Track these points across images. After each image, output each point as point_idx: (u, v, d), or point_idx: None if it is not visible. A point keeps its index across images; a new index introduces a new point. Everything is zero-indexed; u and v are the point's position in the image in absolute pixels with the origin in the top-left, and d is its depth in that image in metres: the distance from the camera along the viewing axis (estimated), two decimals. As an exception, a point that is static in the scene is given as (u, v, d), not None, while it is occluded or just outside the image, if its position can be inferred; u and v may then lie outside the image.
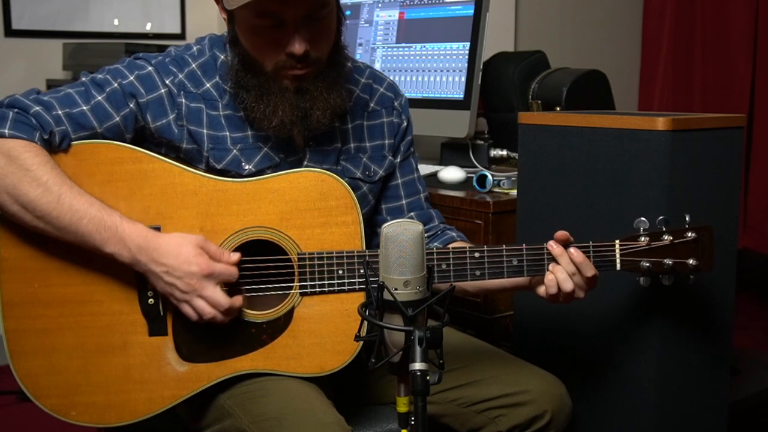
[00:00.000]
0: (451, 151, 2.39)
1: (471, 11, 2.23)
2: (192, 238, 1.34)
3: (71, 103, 1.39)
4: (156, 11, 3.49)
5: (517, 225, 1.78)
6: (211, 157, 1.45)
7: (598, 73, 2.37)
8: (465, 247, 1.40)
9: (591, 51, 4.01)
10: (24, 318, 1.39)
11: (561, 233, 1.38)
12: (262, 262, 1.40)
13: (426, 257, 1.09)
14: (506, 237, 1.90)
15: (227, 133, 1.47)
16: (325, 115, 1.43)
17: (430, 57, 2.32)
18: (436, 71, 2.30)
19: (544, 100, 2.30)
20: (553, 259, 1.38)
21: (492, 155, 2.36)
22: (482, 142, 2.34)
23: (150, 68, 1.45)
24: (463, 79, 2.23)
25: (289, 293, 1.41)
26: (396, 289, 1.06)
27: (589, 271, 1.36)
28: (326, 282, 1.40)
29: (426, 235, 1.59)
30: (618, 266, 1.40)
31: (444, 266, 1.39)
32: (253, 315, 1.41)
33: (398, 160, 1.63)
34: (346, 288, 1.40)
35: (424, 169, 2.14)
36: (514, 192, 1.92)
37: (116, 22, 3.41)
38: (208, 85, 1.47)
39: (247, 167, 1.46)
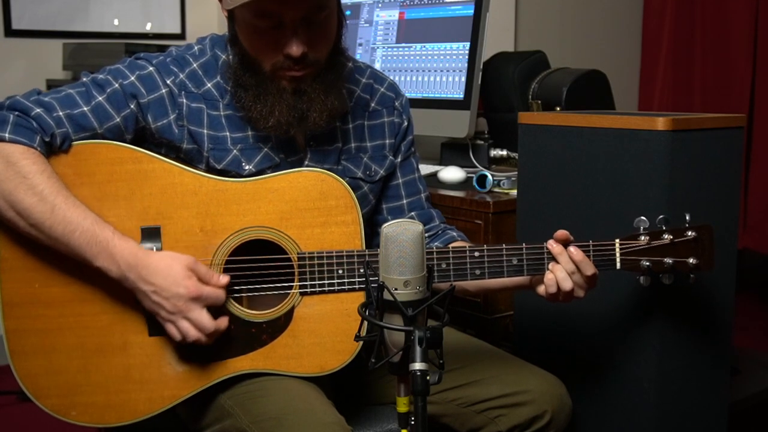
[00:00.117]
0: (451, 151, 2.39)
1: (471, 11, 2.23)
2: (182, 259, 1.34)
3: (72, 103, 1.39)
4: (156, 11, 3.49)
5: (517, 225, 1.78)
6: (211, 157, 1.46)
7: (598, 73, 2.37)
8: (465, 247, 1.40)
9: (591, 51, 4.01)
10: (24, 318, 1.39)
11: (561, 232, 1.38)
12: (262, 262, 1.40)
13: (426, 257, 1.09)
14: (506, 237, 1.90)
15: (227, 134, 1.47)
16: (321, 117, 1.43)
17: (430, 57, 2.32)
18: (436, 71, 2.30)
19: (544, 100, 2.30)
20: (553, 258, 1.38)
21: (492, 155, 2.36)
22: (482, 142, 2.34)
23: (151, 68, 1.45)
24: (463, 79, 2.23)
25: (289, 293, 1.41)
26: (396, 289, 1.06)
27: (589, 269, 1.36)
28: (326, 282, 1.40)
29: (427, 234, 1.59)
30: (618, 265, 1.40)
31: (444, 265, 1.39)
32: (253, 315, 1.41)
33: (399, 160, 1.63)
34: (346, 288, 1.40)
35: (424, 169, 2.14)
36: (514, 192, 1.92)
37: (116, 22, 3.41)
38: (209, 85, 1.47)
39: (247, 167, 1.46)
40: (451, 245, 1.59)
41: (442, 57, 2.29)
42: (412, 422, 1.06)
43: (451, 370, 1.48)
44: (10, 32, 3.19)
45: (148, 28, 3.48)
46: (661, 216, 1.39)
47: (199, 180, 1.40)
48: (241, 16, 1.39)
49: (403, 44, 2.39)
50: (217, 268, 1.40)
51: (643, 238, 1.39)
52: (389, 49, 2.42)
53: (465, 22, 2.23)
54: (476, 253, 1.39)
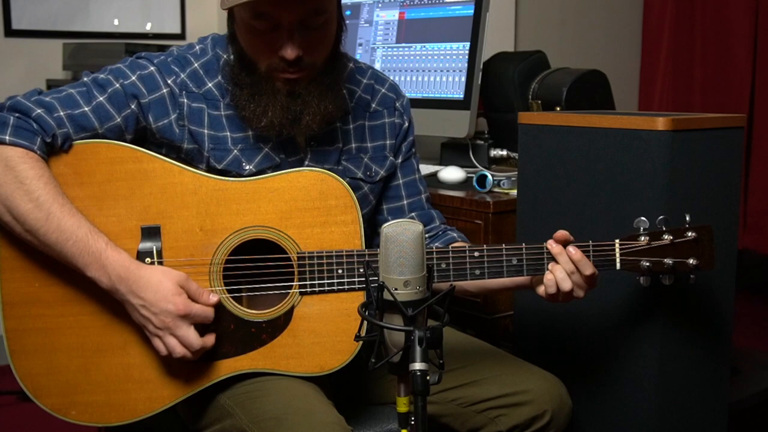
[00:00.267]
0: (451, 151, 2.39)
1: (471, 11, 2.23)
2: (174, 275, 1.33)
3: (73, 104, 1.39)
4: (156, 11, 3.49)
5: (517, 225, 1.78)
6: (211, 157, 1.46)
7: (598, 73, 2.37)
8: (465, 247, 1.40)
9: (591, 51, 4.01)
10: (24, 317, 1.39)
11: (561, 233, 1.38)
12: (261, 262, 1.40)
13: (426, 257, 1.09)
14: (506, 237, 1.90)
15: (228, 133, 1.47)
16: (315, 120, 1.43)
17: (430, 57, 2.32)
18: (436, 71, 2.30)
19: (544, 100, 2.30)
20: (553, 259, 1.38)
21: (492, 155, 2.36)
22: (482, 142, 2.34)
23: (152, 68, 1.45)
24: (463, 79, 2.23)
25: (289, 292, 1.41)
26: (396, 289, 1.06)
27: (588, 269, 1.36)
28: (326, 281, 1.40)
29: (427, 235, 1.59)
30: (618, 266, 1.40)
31: (444, 265, 1.39)
32: (253, 314, 1.41)
33: (399, 160, 1.64)
34: (345, 287, 1.40)
35: (425, 169, 2.14)
36: (514, 192, 1.92)
37: (116, 22, 3.41)
38: (210, 85, 1.47)
39: (247, 167, 1.46)
40: (451, 246, 1.59)
41: (442, 57, 2.29)
42: (412, 422, 1.06)
43: (451, 370, 1.48)
44: (10, 32, 3.19)
45: (148, 28, 3.48)
46: (661, 216, 1.39)
47: (199, 179, 1.41)
48: (239, 15, 1.39)
49: (403, 44, 2.39)
50: (217, 268, 1.40)
51: (643, 238, 1.39)
52: (389, 49, 2.42)
53: (465, 22, 2.23)
54: (476, 253, 1.39)
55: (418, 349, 1.04)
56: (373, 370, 1.09)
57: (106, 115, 1.41)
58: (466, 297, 1.88)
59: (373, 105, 1.61)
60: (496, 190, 2.03)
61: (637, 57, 4.26)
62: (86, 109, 1.39)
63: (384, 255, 1.07)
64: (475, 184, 2.04)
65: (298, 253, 1.40)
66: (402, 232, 1.06)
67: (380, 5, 2.46)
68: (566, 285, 1.36)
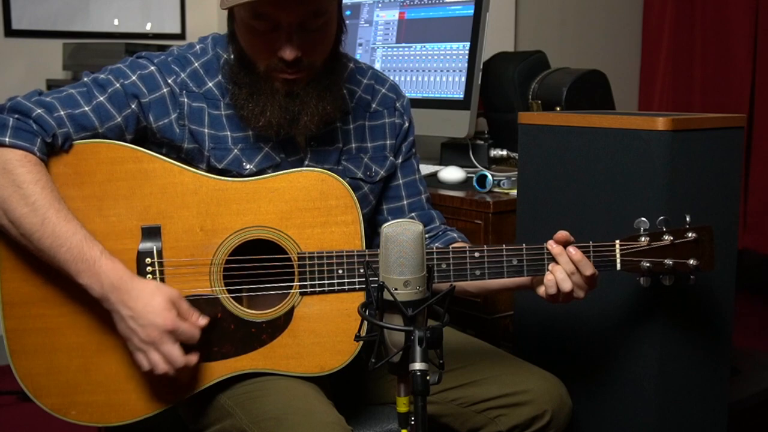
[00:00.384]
0: (451, 151, 2.39)
1: (471, 11, 2.23)
2: (166, 291, 1.33)
3: (73, 103, 1.39)
4: (156, 11, 3.49)
5: (517, 225, 1.78)
6: (212, 156, 1.46)
7: (598, 73, 2.37)
8: (465, 247, 1.40)
9: (591, 51, 4.01)
10: (24, 317, 1.39)
11: (561, 234, 1.38)
12: (262, 262, 1.40)
13: (426, 257, 1.09)
14: (506, 237, 1.90)
15: (228, 133, 1.47)
16: (313, 121, 1.43)
17: (430, 57, 2.32)
18: (436, 71, 2.30)
19: (544, 100, 2.30)
20: (553, 259, 1.38)
21: (492, 155, 2.36)
22: (482, 142, 2.34)
23: (152, 68, 1.45)
24: (463, 79, 2.23)
25: (289, 293, 1.41)
26: (396, 289, 1.06)
27: (588, 269, 1.36)
28: (326, 282, 1.40)
29: (427, 235, 1.59)
30: (618, 266, 1.40)
31: (444, 266, 1.39)
32: (253, 314, 1.41)
33: (399, 160, 1.64)
34: (346, 288, 1.40)
35: (425, 169, 2.14)
36: (514, 192, 1.92)
37: (116, 22, 3.41)
38: (210, 85, 1.47)
39: (248, 167, 1.46)
40: (451, 246, 1.59)
41: (442, 57, 2.29)
42: (412, 422, 1.06)
43: (451, 370, 1.48)
44: (10, 32, 3.19)
45: (148, 28, 3.48)
46: (661, 217, 1.39)
47: (199, 179, 1.41)
48: (239, 15, 1.39)
49: (403, 44, 2.39)
50: (218, 268, 1.40)
51: (643, 239, 1.39)
52: (389, 49, 2.42)
53: (465, 22, 2.23)
54: (476, 254, 1.39)
55: (418, 349, 1.04)
56: (373, 370, 1.09)
57: (106, 115, 1.41)
58: (467, 297, 1.88)
59: (374, 105, 1.61)
60: (496, 190, 2.03)
61: (637, 57, 4.26)
62: (86, 108, 1.40)
63: (384, 255, 1.07)
64: (475, 184, 2.04)
65: (298, 253, 1.40)
66: (402, 232, 1.06)
67: (380, 5, 2.46)
68: (566, 286, 1.36)
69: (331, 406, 1.38)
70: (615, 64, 3.97)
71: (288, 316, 1.41)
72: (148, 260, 1.38)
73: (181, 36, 3.53)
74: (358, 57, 2.32)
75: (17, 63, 3.21)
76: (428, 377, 1.03)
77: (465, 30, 2.23)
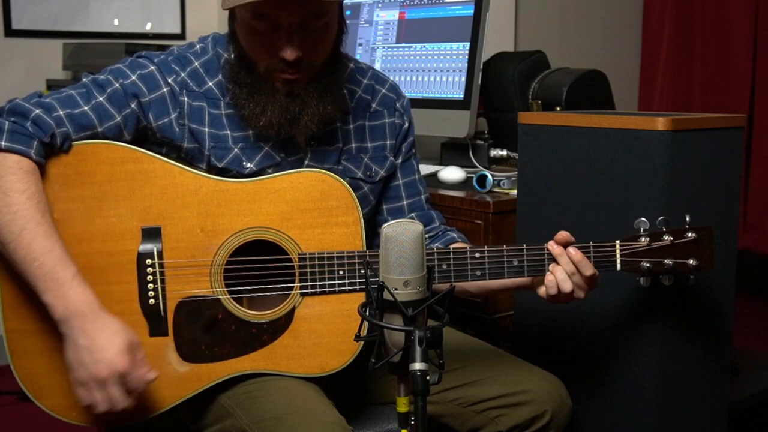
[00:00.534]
0: (451, 151, 2.39)
1: (471, 11, 2.23)
2: (129, 334, 1.30)
3: (73, 104, 1.39)
4: (156, 11, 3.49)
5: (517, 225, 1.78)
6: (212, 155, 1.46)
7: (598, 73, 2.37)
8: (465, 248, 1.40)
9: (591, 51, 4.01)
10: (25, 318, 1.39)
11: (562, 234, 1.38)
12: (262, 263, 1.40)
13: (426, 258, 1.09)
14: (506, 237, 1.90)
15: (228, 132, 1.47)
16: (313, 121, 1.43)
17: (430, 57, 2.32)
18: (436, 71, 2.30)
19: (544, 100, 2.30)
20: (554, 260, 1.38)
21: (492, 155, 2.36)
22: (482, 142, 2.34)
23: (152, 67, 1.45)
24: (463, 79, 2.23)
25: (290, 293, 1.41)
26: (396, 289, 1.06)
27: (588, 270, 1.36)
28: (327, 282, 1.40)
29: (427, 235, 1.59)
30: (618, 266, 1.40)
31: (445, 266, 1.39)
32: (254, 315, 1.41)
33: (399, 160, 1.64)
34: (346, 288, 1.40)
35: (424, 169, 2.14)
36: (514, 192, 1.92)
37: (116, 22, 3.41)
38: (210, 84, 1.47)
39: (248, 166, 1.46)
40: (451, 246, 1.60)
41: (442, 57, 2.29)
42: (412, 422, 1.06)
43: (451, 370, 1.48)
44: (10, 32, 3.19)
45: (148, 28, 3.48)
46: (661, 217, 1.39)
47: (199, 180, 1.41)
48: (240, 15, 1.40)
49: (403, 44, 2.39)
50: (218, 269, 1.40)
51: (643, 239, 1.39)
52: (389, 49, 2.42)
53: (465, 22, 2.23)
54: (477, 255, 1.39)
55: (418, 349, 1.04)
56: (373, 370, 1.10)
57: (106, 115, 1.41)
58: (467, 297, 1.88)
59: (374, 105, 1.61)
60: (496, 190, 2.03)
61: (637, 57, 4.26)
62: (86, 108, 1.40)
63: (384, 255, 1.07)
64: (475, 184, 2.04)
65: (299, 254, 1.40)
66: (402, 232, 1.06)
67: (380, 5, 2.46)
68: (567, 286, 1.36)
69: (332, 406, 1.38)
70: (615, 64, 3.97)
71: (289, 316, 1.41)
72: (148, 261, 1.38)
73: (181, 36, 3.53)
74: (358, 57, 2.32)
75: (17, 63, 3.21)
76: (428, 377, 1.03)
77: (465, 30, 2.23)
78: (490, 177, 2.01)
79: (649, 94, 4.19)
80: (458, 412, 1.52)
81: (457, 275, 1.39)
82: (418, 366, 1.03)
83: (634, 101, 4.25)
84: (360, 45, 2.50)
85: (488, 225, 1.92)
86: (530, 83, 2.35)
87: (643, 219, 1.40)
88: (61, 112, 1.37)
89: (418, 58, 2.35)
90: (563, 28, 3.95)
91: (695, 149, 1.54)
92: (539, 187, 1.71)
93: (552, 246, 1.38)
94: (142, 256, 1.39)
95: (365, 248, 1.42)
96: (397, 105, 1.63)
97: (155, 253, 1.39)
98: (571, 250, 1.36)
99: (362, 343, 1.40)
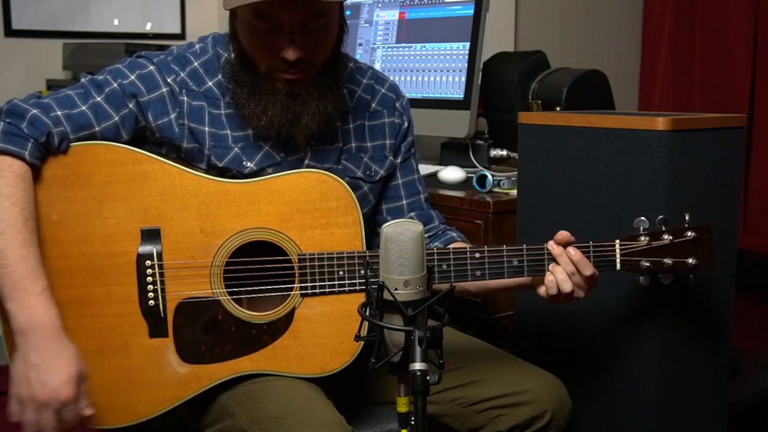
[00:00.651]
0: (451, 151, 2.39)
1: (471, 11, 2.23)
2: (81, 364, 1.27)
3: (70, 104, 1.39)
4: (156, 11, 3.49)
5: (517, 225, 1.78)
6: (212, 155, 1.46)
7: (598, 73, 2.37)
8: (465, 248, 1.40)
9: (591, 51, 4.01)
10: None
11: (562, 234, 1.38)
12: (262, 264, 1.40)
13: (427, 258, 1.09)
14: (506, 237, 1.90)
15: (228, 132, 1.47)
16: (314, 120, 1.43)
17: (430, 57, 2.32)
18: (436, 71, 2.30)
19: (544, 100, 2.30)
20: (554, 259, 1.38)
21: (492, 155, 2.36)
22: (482, 142, 2.34)
23: (152, 67, 1.45)
24: (463, 79, 2.23)
25: (290, 294, 1.41)
26: (396, 289, 1.06)
27: (588, 269, 1.36)
28: (327, 283, 1.40)
29: (426, 235, 1.59)
30: (618, 266, 1.40)
31: (445, 267, 1.39)
32: (254, 316, 1.41)
33: (399, 160, 1.64)
34: (346, 289, 1.40)
35: (424, 169, 2.14)
36: (514, 192, 1.92)
37: (116, 22, 3.41)
38: (210, 84, 1.47)
39: (248, 165, 1.46)
40: (451, 246, 1.60)
41: (442, 57, 2.29)
42: (412, 422, 1.06)
43: (451, 370, 1.48)
44: (10, 32, 3.19)
45: (148, 28, 3.48)
46: (660, 216, 1.39)
47: (199, 181, 1.41)
48: (241, 14, 1.40)
49: (403, 44, 2.39)
50: (218, 270, 1.40)
51: (642, 238, 1.39)
52: (389, 49, 2.42)
53: (465, 22, 2.23)
54: (477, 255, 1.39)
55: (418, 349, 1.04)
56: (373, 370, 1.10)
57: (103, 114, 1.41)
58: (467, 297, 1.88)
59: (373, 105, 1.61)
60: (496, 190, 2.03)
61: (637, 57, 4.26)
62: (83, 108, 1.39)
63: (384, 255, 1.07)
64: (475, 184, 2.04)
65: (298, 254, 1.40)
66: (402, 232, 1.06)
67: (380, 5, 2.46)
68: (567, 286, 1.36)
69: (332, 406, 1.38)
70: (615, 64, 3.97)
71: (289, 317, 1.41)
72: (148, 263, 1.38)
73: (181, 36, 3.53)
74: (358, 57, 2.32)
75: (17, 63, 3.21)
76: (428, 377, 1.03)
77: (465, 30, 2.23)
78: (490, 177, 2.01)
79: (649, 94, 4.19)
80: (458, 412, 1.52)
81: (457, 275, 1.39)
82: (418, 366, 1.03)
83: (634, 101, 4.25)
84: (360, 45, 2.50)
85: (488, 225, 1.91)
86: (530, 83, 2.35)
87: (642, 218, 1.40)
88: (58, 112, 1.37)
89: (418, 58, 2.35)
90: (563, 28, 3.95)
91: (695, 149, 1.54)
92: (539, 187, 1.71)
93: (552, 246, 1.38)
94: (141, 258, 1.39)
95: (365, 249, 1.42)
96: (397, 105, 1.63)
97: (155, 254, 1.39)
98: (571, 250, 1.36)
99: (362, 343, 1.40)
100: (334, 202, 1.41)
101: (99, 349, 1.39)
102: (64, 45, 3.16)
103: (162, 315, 1.40)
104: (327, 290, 1.40)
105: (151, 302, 1.39)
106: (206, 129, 1.46)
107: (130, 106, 1.43)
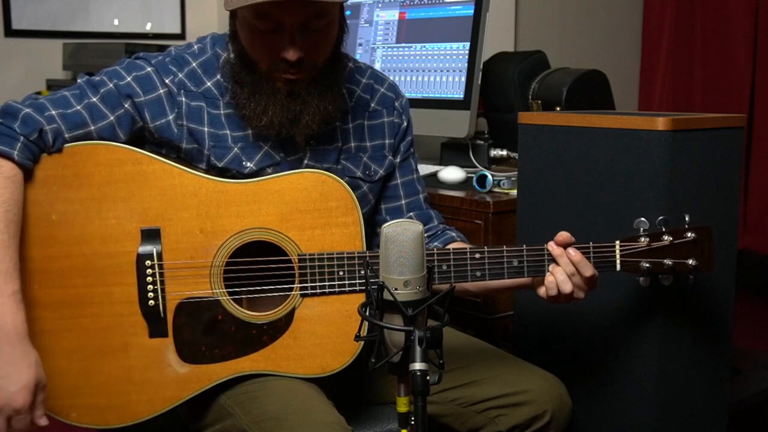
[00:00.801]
0: (451, 151, 2.39)
1: (471, 11, 2.23)
2: (40, 373, 1.27)
3: (65, 104, 1.39)
4: (156, 11, 3.49)
5: (517, 225, 1.78)
6: (212, 155, 1.46)
7: (598, 73, 2.37)
8: (465, 248, 1.40)
9: (591, 51, 4.01)
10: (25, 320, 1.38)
11: (562, 235, 1.38)
12: (262, 264, 1.40)
13: (427, 258, 1.09)
14: (506, 237, 1.90)
15: (228, 132, 1.47)
16: (314, 120, 1.43)
17: (430, 57, 2.32)
18: (436, 71, 2.30)
19: (544, 100, 2.30)
20: (554, 260, 1.38)
21: (492, 155, 2.36)
22: (482, 142, 2.34)
23: (149, 69, 1.45)
24: (463, 79, 2.23)
25: (290, 294, 1.41)
26: (396, 289, 1.06)
27: (588, 270, 1.36)
28: (327, 283, 1.40)
29: (426, 235, 1.59)
30: (618, 267, 1.40)
31: (445, 267, 1.39)
32: (254, 316, 1.41)
33: (398, 160, 1.64)
34: (346, 289, 1.40)
35: (424, 169, 2.14)
36: (514, 192, 1.92)
37: (116, 22, 3.41)
38: (208, 84, 1.47)
39: (247, 165, 1.46)
40: (450, 246, 1.60)
41: (442, 57, 2.29)
42: (412, 422, 1.06)
43: (451, 370, 1.48)
44: (10, 32, 3.19)
45: (148, 28, 3.48)
46: (660, 217, 1.39)
47: (199, 181, 1.41)
48: (241, 14, 1.40)
49: (403, 44, 2.39)
50: (218, 270, 1.40)
51: (642, 239, 1.39)
52: (389, 49, 2.42)
53: (465, 22, 2.23)
54: (477, 255, 1.39)
55: (418, 349, 1.04)
56: (373, 370, 1.10)
57: (98, 114, 1.41)
58: (467, 297, 1.88)
59: (373, 104, 1.61)
60: (496, 190, 2.03)
61: (637, 57, 4.26)
62: (78, 107, 1.40)
63: (384, 255, 1.07)
64: (475, 184, 2.04)
65: (298, 255, 1.40)
66: (402, 232, 1.06)
67: (380, 5, 2.46)
68: (567, 287, 1.36)
69: (332, 406, 1.38)
70: (615, 64, 3.97)
71: (289, 317, 1.41)
72: (147, 263, 1.38)
73: (181, 36, 3.53)
74: (358, 57, 2.32)
75: (17, 63, 3.21)
76: (428, 377, 1.03)
77: (465, 30, 2.23)
78: (490, 177, 2.01)
79: (649, 94, 4.19)
80: (458, 412, 1.52)
81: (457, 276, 1.39)
82: (418, 366, 1.03)
83: (634, 101, 4.25)
84: (360, 45, 2.50)
85: (488, 225, 1.91)
86: (530, 83, 2.35)
87: (642, 219, 1.40)
88: (53, 111, 1.37)
89: (418, 58, 2.35)
90: (563, 28, 3.95)
91: (695, 149, 1.54)
92: (539, 187, 1.71)
93: (552, 247, 1.38)
94: (141, 258, 1.39)
95: (365, 249, 1.42)
96: (396, 104, 1.63)
97: (155, 254, 1.39)
98: (571, 250, 1.36)
99: (362, 343, 1.40)
100: (334, 202, 1.41)
101: (99, 349, 1.39)
102: (64, 45, 3.16)
103: (162, 315, 1.40)
104: (327, 290, 1.40)
105: (151, 302, 1.39)
106: (205, 129, 1.46)
107: (126, 106, 1.43)
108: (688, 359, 1.61)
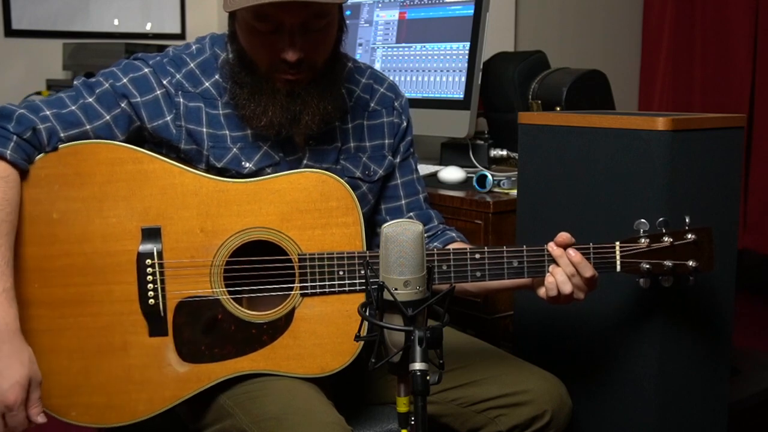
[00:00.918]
0: (451, 151, 2.39)
1: (471, 11, 2.23)
2: (34, 370, 1.27)
3: (60, 104, 1.40)
4: (156, 11, 3.48)
5: (517, 225, 1.78)
6: (211, 155, 1.46)
7: (598, 73, 2.37)
8: (465, 249, 1.40)
9: (591, 51, 4.01)
10: (24, 319, 1.38)
11: (563, 236, 1.38)
12: (262, 263, 1.40)
13: (427, 258, 1.09)
14: (506, 237, 1.90)
15: (227, 132, 1.47)
16: (314, 120, 1.43)
17: (430, 57, 2.32)
18: (436, 71, 2.30)
19: (544, 100, 2.30)
20: (554, 261, 1.38)
21: (492, 155, 2.36)
22: (482, 142, 2.34)
23: (146, 70, 1.45)
24: (463, 79, 2.23)
25: (290, 294, 1.41)
26: (396, 289, 1.06)
27: (588, 271, 1.36)
28: (327, 283, 1.40)
29: (426, 235, 1.59)
30: (618, 268, 1.40)
31: (445, 267, 1.39)
32: (254, 315, 1.41)
33: (398, 160, 1.64)
34: (346, 289, 1.40)
35: (424, 169, 2.14)
36: (514, 192, 1.92)
37: (116, 22, 3.41)
38: (207, 84, 1.47)
39: (247, 165, 1.46)
40: (450, 246, 1.60)
41: (442, 57, 2.29)
42: (412, 422, 1.06)
43: (451, 370, 1.48)
44: (10, 32, 3.18)
45: (148, 28, 3.48)
46: (660, 218, 1.39)
47: (199, 180, 1.41)
48: (241, 15, 1.40)
49: (403, 44, 2.39)
50: (218, 269, 1.40)
51: (643, 240, 1.39)
52: (389, 49, 2.42)
53: (465, 22, 2.23)
54: (477, 256, 1.39)
55: (418, 349, 1.04)
56: (373, 370, 1.10)
57: (94, 114, 1.41)
58: (467, 297, 1.88)
59: (372, 104, 1.61)
60: (496, 190, 2.03)
61: (637, 57, 4.26)
62: (73, 108, 1.40)
63: (384, 255, 1.07)
64: (475, 184, 2.04)
65: (299, 254, 1.40)
66: (402, 232, 1.06)
67: (380, 5, 2.46)
68: (567, 288, 1.36)
69: (331, 406, 1.38)
70: (615, 64, 3.97)
71: (289, 317, 1.41)
72: (148, 261, 1.39)
73: (181, 36, 3.53)
74: (358, 57, 2.32)
75: (17, 63, 3.21)
76: (428, 377, 1.03)
77: (465, 30, 2.23)
78: (490, 177, 2.01)
79: (649, 94, 4.19)
80: (458, 412, 1.52)
81: (457, 276, 1.39)
82: (418, 366, 1.03)
83: (634, 101, 4.25)
84: (360, 45, 2.50)
85: (488, 225, 1.91)
86: (530, 83, 2.35)
87: (642, 220, 1.40)
88: (47, 111, 1.38)
89: (418, 58, 2.35)
90: (563, 28, 3.95)
91: (695, 149, 1.54)
92: (539, 187, 1.71)
93: (552, 247, 1.38)
94: (141, 257, 1.39)
95: (365, 249, 1.42)
96: (396, 104, 1.63)
97: (155, 253, 1.39)
98: (571, 251, 1.36)
99: (362, 343, 1.40)
100: (334, 202, 1.41)
101: (98, 348, 1.39)
102: (64, 45, 3.16)
103: (162, 314, 1.40)
104: (327, 290, 1.40)
105: (151, 301, 1.39)
106: (204, 130, 1.46)
107: (123, 105, 1.43)
108: (688, 359, 1.61)
